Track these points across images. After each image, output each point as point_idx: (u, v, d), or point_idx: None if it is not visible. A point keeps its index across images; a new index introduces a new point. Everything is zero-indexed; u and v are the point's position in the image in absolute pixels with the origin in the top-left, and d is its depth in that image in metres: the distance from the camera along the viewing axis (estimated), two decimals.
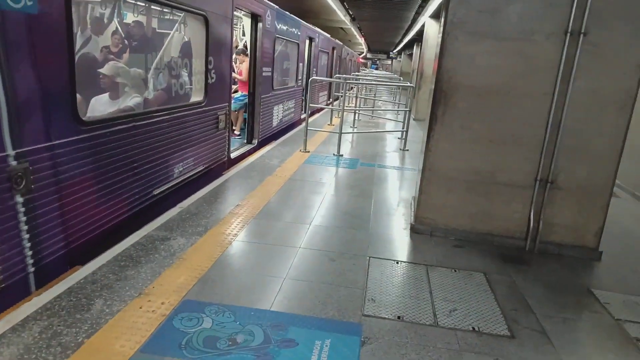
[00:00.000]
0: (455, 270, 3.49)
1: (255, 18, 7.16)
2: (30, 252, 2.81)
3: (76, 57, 3.20)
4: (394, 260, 3.58)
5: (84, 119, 3.26)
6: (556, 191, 3.90)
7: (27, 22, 2.59)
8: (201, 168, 5.35)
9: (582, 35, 3.57)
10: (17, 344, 2.22)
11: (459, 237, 4.14)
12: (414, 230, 4.22)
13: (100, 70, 4.27)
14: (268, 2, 7.60)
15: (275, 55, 8.42)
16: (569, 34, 3.59)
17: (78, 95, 3.26)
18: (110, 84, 4.34)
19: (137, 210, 4.05)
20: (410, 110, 8.97)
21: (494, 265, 3.66)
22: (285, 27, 8.94)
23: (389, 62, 54.12)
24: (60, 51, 2.91)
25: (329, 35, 15.43)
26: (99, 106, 4.23)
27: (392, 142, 9.15)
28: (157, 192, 4.36)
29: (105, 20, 5.46)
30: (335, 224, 4.28)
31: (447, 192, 4.10)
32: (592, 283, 3.52)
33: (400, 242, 4.03)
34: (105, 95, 4.31)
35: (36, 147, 2.76)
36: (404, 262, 3.59)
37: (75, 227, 3.23)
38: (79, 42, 4.61)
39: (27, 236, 2.77)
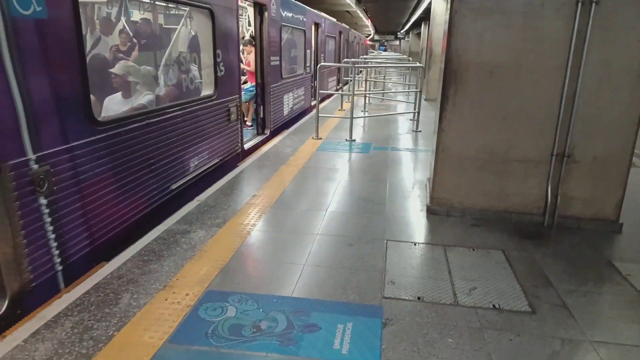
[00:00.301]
0: (473, 249, 3.50)
1: (260, 7, 7.13)
2: (57, 252, 2.90)
3: (87, 59, 3.25)
4: (412, 242, 3.60)
5: (99, 119, 3.33)
6: (573, 165, 3.86)
7: (37, 28, 2.64)
8: (216, 161, 5.41)
9: (594, 4, 3.48)
10: (51, 339, 2.31)
11: (475, 216, 4.13)
12: (430, 212, 4.22)
13: (112, 70, 4.33)
14: None
15: (282, 43, 8.39)
16: (580, 4, 3.51)
17: (92, 96, 3.32)
18: (121, 83, 4.40)
19: (157, 205, 4.13)
20: (420, 91, 8.88)
21: (512, 243, 3.65)
22: (290, 15, 8.87)
23: (397, 42, 53.39)
24: (72, 54, 2.96)
25: (335, 20, 15.29)
26: (113, 105, 4.31)
27: (404, 124, 9.10)
28: (175, 186, 4.43)
29: (113, 20, 5.51)
30: (351, 210, 4.31)
31: (461, 172, 4.08)
32: (612, 255, 3.50)
33: (417, 224, 4.04)
34: (118, 95, 4.38)
35: (55, 149, 2.83)
36: (422, 243, 3.61)
37: (99, 225, 3.31)
38: (88, 43, 4.68)
39: (53, 236, 2.86)
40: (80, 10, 3.03)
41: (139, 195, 3.84)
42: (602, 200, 3.90)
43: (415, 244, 3.57)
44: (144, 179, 3.91)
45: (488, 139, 3.95)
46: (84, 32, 3.15)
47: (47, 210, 2.79)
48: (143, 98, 4.42)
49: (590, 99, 3.69)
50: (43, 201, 2.75)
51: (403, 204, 4.50)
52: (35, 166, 2.67)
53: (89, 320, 2.48)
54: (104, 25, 5.24)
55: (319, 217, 4.08)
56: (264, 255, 3.38)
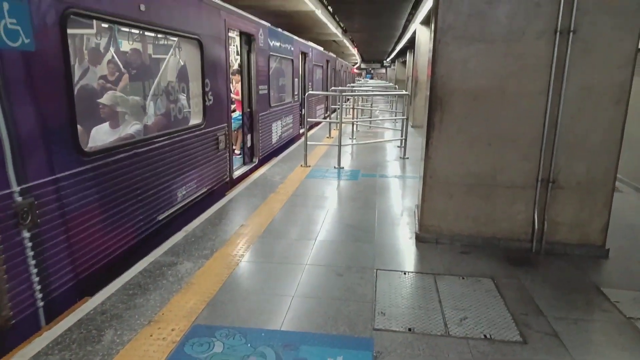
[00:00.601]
0: (463, 278, 3.48)
1: (248, 37, 7.25)
2: (38, 287, 2.82)
3: (75, 89, 3.25)
4: (401, 271, 3.57)
5: (85, 149, 3.30)
6: (558, 190, 3.90)
7: (24, 60, 2.64)
8: (204, 190, 5.37)
9: (571, 33, 3.60)
10: None
11: (464, 242, 4.13)
12: (419, 239, 4.21)
13: (100, 100, 4.32)
14: (260, 21, 7.70)
15: (271, 72, 8.50)
16: (558, 33, 3.62)
17: (79, 127, 3.30)
18: (109, 113, 4.39)
19: (143, 236, 4.06)
20: (407, 118, 9.01)
21: (502, 270, 3.65)
22: (278, 44, 9.03)
23: (383, 70, 54.47)
24: (59, 85, 2.96)
25: (322, 49, 15.56)
26: (100, 136, 4.28)
27: (391, 151, 9.18)
28: (162, 217, 4.38)
29: (102, 51, 5.53)
30: (340, 238, 4.28)
31: (449, 198, 4.10)
32: (601, 281, 3.50)
33: (406, 252, 4.02)
34: (106, 125, 4.36)
35: (40, 181, 2.79)
36: (411, 272, 3.58)
37: (83, 258, 3.24)
38: (76, 73, 4.69)
39: (35, 271, 2.78)
40: (69, 41, 3.04)
41: (125, 226, 3.77)
42: (587, 225, 3.93)
43: (405, 273, 3.54)
44: (131, 209, 3.85)
45: (474, 165, 3.99)
46: (72, 63, 3.15)
47: (29, 244, 2.72)
48: (131, 128, 4.40)
49: (572, 124, 3.77)
50: (26, 234, 2.69)
51: (392, 232, 4.48)
52: (19, 198, 2.62)
53: (70, 358, 2.39)
54: (92, 55, 5.27)
55: (308, 246, 4.04)
56: (253, 286, 3.32)
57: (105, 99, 4.40)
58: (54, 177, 2.90)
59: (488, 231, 4.09)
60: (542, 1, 3.60)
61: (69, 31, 3.04)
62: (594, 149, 3.78)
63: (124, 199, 3.74)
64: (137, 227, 3.97)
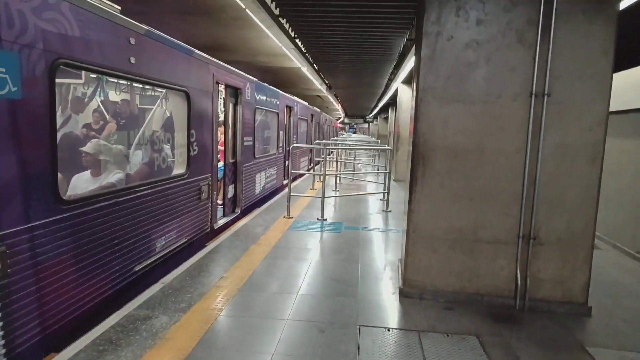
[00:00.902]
0: (447, 335, 3.40)
1: (235, 91, 7.41)
2: (1, 342, 2.64)
3: (58, 137, 3.22)
4: (385, 328, 3.48)
5: (64, 198, 3.22)
6: (539, 246, 3.94)
7: (9, 108, 2.63)
8: (184, 240, 5.26)
9: (546, 96, 3.78)
10: None
11: (448, 298, 4.07)
12: (403, 294, 4.15)
13: (82, 148, 4.29)
14: (247, 75, 7.91)
15: (256, 125, 8.64)
16: (533, 96, 3.80)
17: (59, 174, 3.24)
18: (92, 161, 4.34)
19: (118, 288, 3.89)
20: (389, 172, 9.15)
21: (486, 327, 3.58)
22: (264, 98, 9.25)
23: (366, 125, 55.93)
24: (43, 133, 2.93)
25: (307, 103, 16.01)
26: (81, 184, 4.20)
27: (374, 204, 9.23)
28: (139, 268, 4.23)
29: (87, 99, 5.57)
30: (323, 292, 4.18)
31: (432, 253, 4.09)
32: (585, 340, 3.46)
33: (390, 308, 3.94)
34: (87, 173, 4.30)
35: (14, 229, 2.69)
36: (395, 329, 3.49)
37: (53, 311, 3.07)
38: (59, 121, 4.68)
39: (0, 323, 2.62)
40: (56, 90, 3.05)
41: (99, 277, 3.62)
42: (569, 282, 3.94)
43: (389, 330, 3.45)
44: (107, 259, 3.72)
45: (457, 220, 4.03)
46: (57, 111, 3.14)
47: None
48: (113, 177, 4.35)
49: (550, 182, 3.87)
50: None
51: (376, 286, 4.41)
52: None
53: None
54: (78, 104, 5.29)
55: (290, 300, 3.93)
56: (231, 343, 3.17)
57: (88, 147, 4.37)
58: (29, 225, 2.81)
59: (472, 287, 4.06)
60: (517, 66, 3.81)
61: (57, 80, 3.06)
62: (573, 205, 3.87)
63: (100, 249, 3.62)
64: (113, 278, 3.81)
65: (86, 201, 3.45)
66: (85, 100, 5.71)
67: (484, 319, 3.72)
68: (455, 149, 3.96)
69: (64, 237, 3.16)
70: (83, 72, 4.40)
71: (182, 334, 3.22)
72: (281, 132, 11.29)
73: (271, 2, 5.91)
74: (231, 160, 7.55)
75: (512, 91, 3.84)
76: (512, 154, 3.90)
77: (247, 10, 6.79)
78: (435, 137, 3.97)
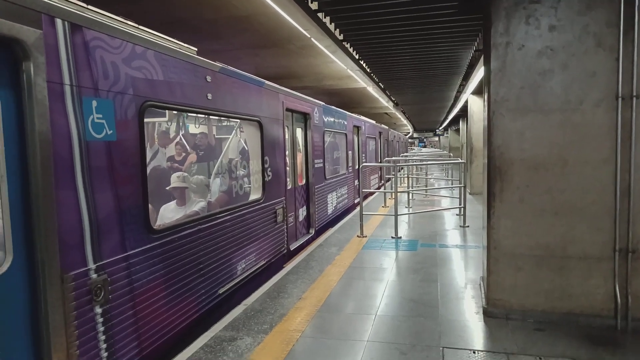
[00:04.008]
0: (540, 358, 3.19)
1: (304, 116, 7.67)
2: None
3: (147, 171, 3.54)
4: (471, 350, 3.35)
5: (154, 227, 3.50)
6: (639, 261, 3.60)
7: (107, 149, 2.93)
8: (262, 263, 5.44)
9: (635, 99, 3.51)
10: None
11: (538, 319, 3.83)
12: (487, 314, 3.97)
13: (170, 181, 4.64)
14: (314, 100, 8.15)
15: (325, 146, 8.82)
16: (620, 99, 3.54)
17: (150, 206, 3.54)
18: (177, 192, 4.69)
19: (204, 311, 4.11)
20: (465, 186, 8.86)
21: (584, 350, 3.32)
22: (332, 120, 9.44)
23: (436, 138, 54.62)
24: (135, 170, 3.22)
25: (374, 122, 16.02)
26: (168, 214, 4.55)
27: (450, 219, 8.95)
28: (222, 290, 4.45)
29: (172, 135, 6.03)
30: (401, 313, 4.12)
31: (516, 271, 3.89)
32: None
33: (474, 329, 3.79)
34: (173, 203, 4.65)
35: (114, 258, 2.96)
36: (482, 351, 3.35)
37: (148, 333, 3.32)
38: (148, 156, 5.12)
39: (104, 346, 2.87)
40: (145, 130, 3.37)
41: (187, 301, 3.85)
42: None
43: (474, 352, 3.32)
44: (193, 284, 3.95)
45: (542, 235, 3.81)
46: (146, 149, 3.46)
47: (101, 319, 2.83)
48: (196, 205, 4.66)
49: None
50: (98, 310, 2.81)
51: (457, 306, 4.26)
52: (95, 275, 2.78)
53: None
54: (162, 139, 5.76)
55: (368, 321, 3.92)
56: None
57: (173, 180, 4.74)
58: (125, 254, 3.08)
59: (564, 306, 3.79)
60: (597, 70, 3.58)
61: (146, 120, 3.38)
62: None
63: (187, 274, 3.85)
64: (199, 301, 4.03)
65: (173, 229, 3.70)
66: (169, 135, 6.18)
67: (581, 341, 3.45)
68: (534, 162, 3.77)
69: (155, 264, 3.41)
70: (167, 111, 4.80)
71: (265, 355, 3.33)
72: (350, 152, 11.38)
73: (335, 29, 6.09)
74: (303, 183, 7.73)
75: (594, 97, 3.61)
76: (600, 163, 3.64)
77: (312, 39, 7.04)
78: (512, 150, 3.82)
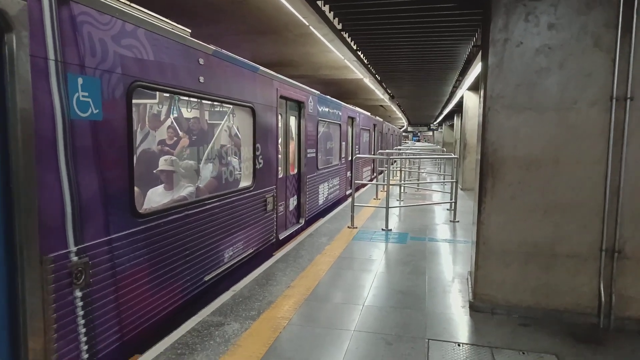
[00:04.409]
0: (523, 353, 3.24)
1: (298, 104, 7.60)
2: (85, 347, 2.79)
3: (135, 154, 3.44)
4: (455, 343, 3.39)
5: (140, 211, 3.40)
6: (625, 261, 3.65)
7: (92, 129, 2.81)
8: (251, 251, 5.41)
9: (629, 100, 3.53)
10: None
11: (523, 314, 3.88)
12: (474, 309, 4.01)
13: (158, 163, 4.57)
14: (309, 89, 8.08)
15: (319, 136, 8.79)
16: (614, 100, 3.56)
17: (136, 189, 3.45)
18: (164, 175, 4.61)
19: (189, 297, 4.05)
20: (457, 181, 8.90)
21: (567, 346, 3.37)
22: (327, 110, 9.38)
23: (430, 133, 54.76)
24: (122, 152, 3.11)
25: (369, 114, 16.00)
26: (155, 197, 4.47)
27: (441, 214, 9.01)
28: (208, 278, 4.40)
29: (162, 117, 5.94)
30: (389, 304, 4.15)
31: (505, 267, 3.93)
32: None
33: (460, 322, 3.83)
34: (161, 187, 4.57)
35: (96, 241, 2.86)
36: (466, 344, 3.39)
37: (131, 318, 3.26)
38: (137, 139, 5.00)
39: (83, 330, 2.76)
40: (134, 110, 3.26)
41: (172, 287, 3.79)
42: None
43: (459, 345, 3.36)
44: (178, 270, 3.88)
45: (531, 233, 3.84)
46: (134, 130, 3.37)
47: (80, 304, 2.73)
48: (184, 190, 4.60)
49: (636, 192, 3.59)
50: (78, 294, 2.71)
51: (444, 299, 4.30)
52: (75, 258, 2.68)
53: None
54: (154, 121, 5.67)
55: (356, 311, 3.95)
56: (300, 353, 3.24)
57: (161, 163, 4.63)
58: (108, 237, 2.97)
59: (549, 303, 3.84)
60: (594, 71, 3.59)
61: (135, 101, 3.29)
62: None
63: (172, 260, 3.76)
64: (184, 287, 3.97)
65: (160, 214, 3.60)
66: (160, 118, 6.07)
67: (564, 338, 3.51)
68: (527, 159, 3.80)
69: (139, 248, 3.32)
70: (157, 92, 4.65)
71: (252, 341, 3.34)
72: (343, 143, 11.36)
73: (334, 18, 6.03)
74: (295, 172, 7.69)
75: (589, 97, 3.63)
76: (591, 163, 3.66)
77: (310, 27, 6.98)
78: (505, 147, 3.83)
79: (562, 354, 3.24)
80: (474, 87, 11.38)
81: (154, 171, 4.64)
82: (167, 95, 5.14)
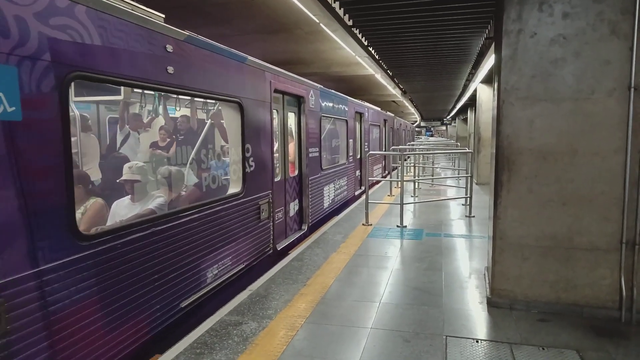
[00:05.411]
0: (543, 348, 3.20)
1: (298, 99, 6.90)
2: None
3: (80, 162, 2.91)
4: (473, 339, 3.36)
5: (84, 232, 2.76)
6: None
7: (6, 131, 2.22)
8: (241, 267, 4.73)
9: None
10: None
11: (542, 309, 3.83)
12: (491, 304, 3.97)
13: (123, 173, 4.10)
14: (310, 82, 7.43)
15: (323, 134, 8.08)
16: (632, 89, 3.48)
17: (98, 201, 3.05)
18: (128, 185, 4.11)
19: (160, 329, 3.43)
20: (471, 176, 8.80)
21: (588, 341, 3.32)
22: (331, 105, 8.65)
23: (443, 128, 54.28)
24: (54, 160, 2.50)
25: (379, 109, 15.76)
26: (120, 210, 4.00)
27: (456, 209, 8.93)
28: (186, 303, 3.74)
29: (122, 115, 5.16)
30: (405, 301, 4.13)
31: (522, 261, 3.87)
32: None
33: (477, 318, 3.79)
34: (127, 199, 4.10)
35: (15, 277, 2.24)
36: (485, 340, 3.36)
37: None
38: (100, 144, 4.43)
39: None
40: (72, 107, 2.83)
41: (134, 321, 3.14)
42: None
43: (477, 341, 3.32)
44: (144, 299, 3.24)
45: (549, 226, 3.78)
46: (75, 134, 2.90)
47: None
48: (153, 202, 4.05)
49: None
50: None
51: (461, 296, 4.27)
52: None
53: None
54: (112, 121, 5.04)
55: (372, 309, 3.94)
56: (316, 351, 3.25)
57: (125, 171, 4.10)
58: (36, 270, 2.35)
59: (569, 297, 3.78)
60: (611, 59, 3.51)
61: (76, 98, 2.80)
62: None
63: (134, 288, 3.13)
64: (152, 319, 3.34)
65: (115, 233, 2.95)
66: (123, 116, 5.19)
67: (585, 332, 3.45)
68: (543, 151, 3.73)
69: (85, 279, 2.67)
70: (108, 85, 3.94)
71: (270, 340, 3.36)
72: (351, 141, 10.66)
73: (344, 15, 6.01)
74: (295, 174, 6.97)
75: (606, 86, 3.55)
76: (610, 153, 3.59)
77: (320, 24, 6.97)
78: (521, 139, 3.78)
79: (583, 349, 3.19)
80: (488, 80, 11.25)
81: (118, 181, 4.11)
82: (123, 88, 4.53)
